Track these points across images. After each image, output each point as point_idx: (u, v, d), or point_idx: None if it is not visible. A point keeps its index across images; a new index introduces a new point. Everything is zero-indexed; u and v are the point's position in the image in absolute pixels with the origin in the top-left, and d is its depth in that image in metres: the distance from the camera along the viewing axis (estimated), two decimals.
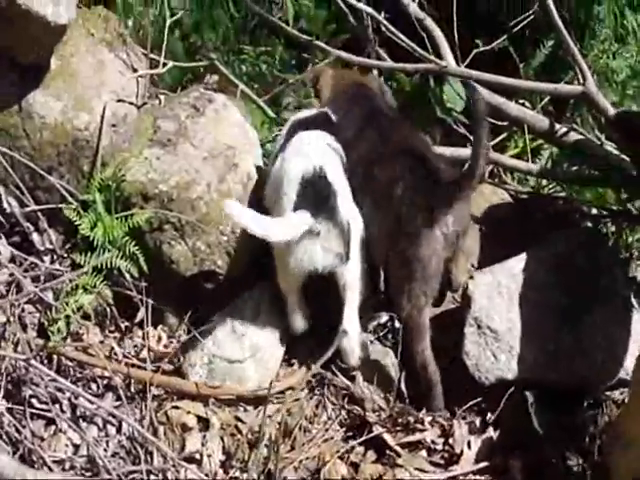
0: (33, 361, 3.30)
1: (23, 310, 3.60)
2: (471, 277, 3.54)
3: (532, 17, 4.86)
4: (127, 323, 3.69)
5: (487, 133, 3.29)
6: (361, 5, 4.51)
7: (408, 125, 3.80)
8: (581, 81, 3.97)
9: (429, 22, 4.67)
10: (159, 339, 3.68)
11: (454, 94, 4.45)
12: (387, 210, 3.47)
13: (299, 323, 3.59)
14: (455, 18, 4.71)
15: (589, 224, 4.17)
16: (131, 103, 3.79)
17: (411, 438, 3.46)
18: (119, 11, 4.72)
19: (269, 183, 3.63)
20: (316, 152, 3.53)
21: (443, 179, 3.39)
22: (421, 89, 4.62)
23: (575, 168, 4.33)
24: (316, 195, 3.40)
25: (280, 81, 4.84)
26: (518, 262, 3.57)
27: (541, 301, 3.51)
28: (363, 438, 3.46)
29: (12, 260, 3.61)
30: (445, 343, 3.49)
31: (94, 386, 3.58)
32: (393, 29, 4.33)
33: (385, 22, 4.40)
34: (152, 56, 4.10)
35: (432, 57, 4.13)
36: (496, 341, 3.47)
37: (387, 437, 3.43)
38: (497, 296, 3.49)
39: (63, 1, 3.41)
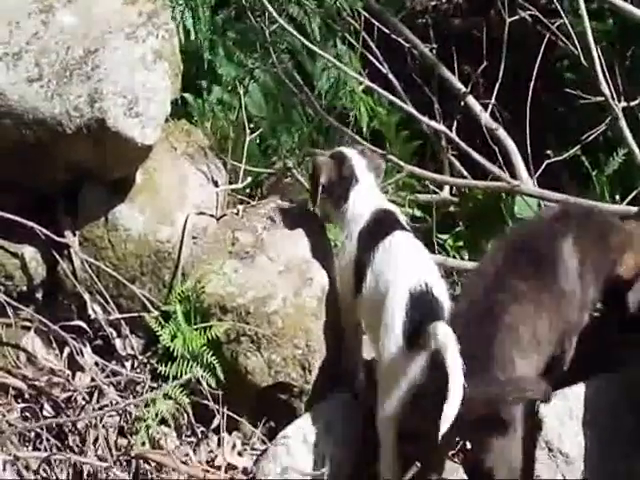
0: (114, 470, 3.39)
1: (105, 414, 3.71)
2: None
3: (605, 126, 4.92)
4: (203, 429, 3.77)
5: None
6: (433, 123, 4.63)
7: None
8: None
9: (501, 132, 4.80)
10: (233, 446, 3.77)
11: (525, 205, 4.52)
12: None
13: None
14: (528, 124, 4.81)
15: None
16: (211, 215, 3.92)
17: None
18: (197, 116, 4.90)
19: (368, 294, 3.63)
20: (419, 265, 3.58)
21: None
22: (493, 199, 4.70)
23: None
24: (423, 314, 3.42)
25: None
26: (589, 385, 3.58)
27: (612, 424, 3.51)
28: None
29: (95, 365, 3.73)
30: None
31: None
32: (465, 146, 4.44)
33: (457, 139, 4.51)
34: (231, 161, 4.23)
35: (504, 175, 4.23)
36: (567, 465, 3.48)
37: None
38: (568, 419, 3.51)
39: (150, 123, 3.58)
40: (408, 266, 3.58)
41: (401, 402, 3.47)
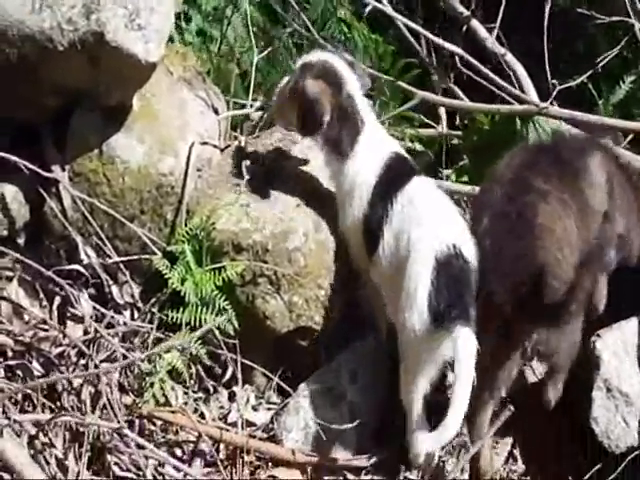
0: (126, 430, 3.01)
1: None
2: (598, 335, 3.26)
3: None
4: (213, 382, 3.39)
5: None
6: (442, 42, 4.30)
7: None
8: None
9: (510, 57, 4.46)
10: (247, 400, 3.40)
11: (541, 132, 4.22)
12: None
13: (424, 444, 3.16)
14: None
15: None
16: (215, 146, 3.52)
17: None
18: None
19: (385, 256, 3.19)
20: (444, 220, 3.16)
21: None
22: (499, 130, 4.38)
23: None
24: (451, 285, 3.03)
25: None
26: None
27: None
28: None
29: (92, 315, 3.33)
30: (566, 408, 3.21)
31: (179, 451, 3.30)
32: (482, 67, 4.10)
33: (472, 59, 4.18)
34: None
35: (530, 98, 3.91)
36: (627, 405, 3.21)
37: None
38: (626, 356, 3.22)
39: (154, 37, 3.17)
40: (432, 223, 3.13)
41: (429, 385, 3.14)
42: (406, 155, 3.38)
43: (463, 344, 2.96)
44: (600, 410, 3.23)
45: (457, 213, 3.24)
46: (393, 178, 3.25)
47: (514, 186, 3.21)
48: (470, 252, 3.09)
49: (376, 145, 3.31)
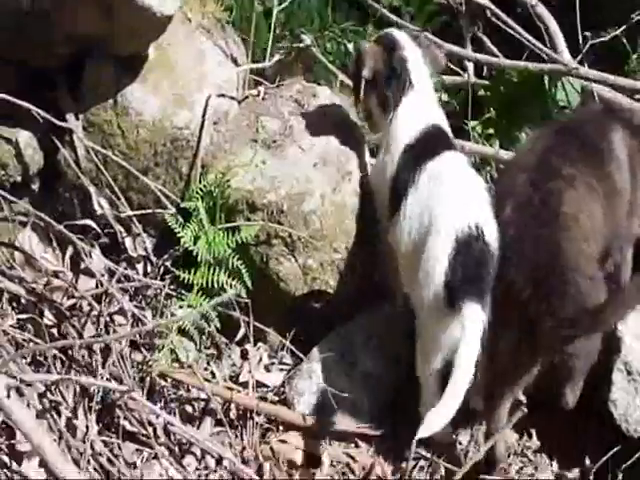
0: (134, 394, 2.97)
1: (113, 321, 3.27)
2: None
3: None
4: (225, 340, 3.34)
5: None
6: None
7: None
8: None
9: (541, 9, 4.29)
10: (260, 360, 3.36)
11: (570, 89, 4.08)
12: None
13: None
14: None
15: None
16: (232, 98, 3.42)
17: None
18: None
19: (406, 223, 3.11)
20: (470, 198, 3.07)
21: None
22: (529, 84, 4.23)
23: None
24: (472, 262, 2.95)
25: None
26: None
27: None
28: None
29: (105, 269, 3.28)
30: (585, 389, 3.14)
31: (189, 409, 3.27)
32: (510, 21, 3.96)
33: (501, 13, 4.03)
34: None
35: (560, 57, 3.77)
36: None
37: None
38: None
39: None
40: (457, 200, 3.05)
41: (444, 360, 3.05)
42: (446, 129, 3.27)
43: (470, 324, 2.90)
44: (619, 393, 3.16)
45: (484, 192, 3.12)
46: (426, 148, 3.17)
47: (538, 172, 3.12)
48: (492, 234, 3.00)
49: (418, 111, 3.24)
